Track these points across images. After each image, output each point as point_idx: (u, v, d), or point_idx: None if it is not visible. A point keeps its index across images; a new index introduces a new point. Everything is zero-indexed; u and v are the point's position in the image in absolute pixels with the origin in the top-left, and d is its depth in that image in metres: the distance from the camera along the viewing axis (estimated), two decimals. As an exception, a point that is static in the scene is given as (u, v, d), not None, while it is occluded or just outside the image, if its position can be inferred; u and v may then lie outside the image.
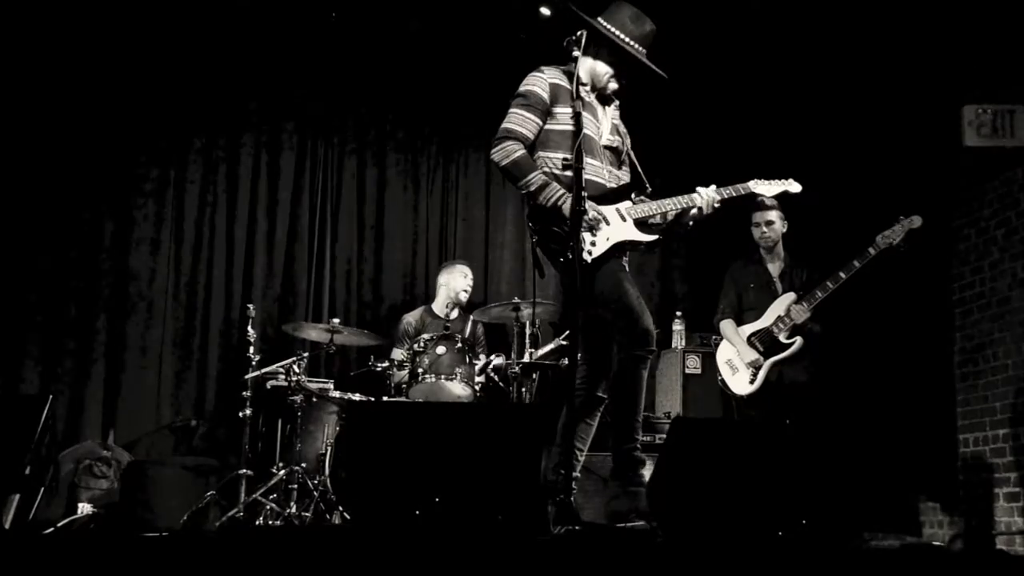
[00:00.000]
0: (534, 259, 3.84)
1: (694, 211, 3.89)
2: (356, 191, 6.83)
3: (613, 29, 3.83)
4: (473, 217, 6.99)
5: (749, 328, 5.25)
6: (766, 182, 4.09)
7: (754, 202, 5.19)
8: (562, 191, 3.68)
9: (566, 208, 3.63)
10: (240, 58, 6.54)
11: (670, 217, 3.92)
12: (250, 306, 5.61)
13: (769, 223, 5.29)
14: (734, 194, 3.98)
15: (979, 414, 6.18)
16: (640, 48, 3.87)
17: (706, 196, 3.88)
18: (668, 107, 6.40)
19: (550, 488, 3.44)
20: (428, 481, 3.02)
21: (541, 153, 3.83)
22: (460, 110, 6.81)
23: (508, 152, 3.75)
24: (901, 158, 6.44)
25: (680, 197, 3.89)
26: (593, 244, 3.71)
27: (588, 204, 3.63)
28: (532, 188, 3.72)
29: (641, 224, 3.85)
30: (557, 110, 3.81)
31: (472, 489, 3.02)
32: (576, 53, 3.64)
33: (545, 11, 6.01)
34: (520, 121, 3.80)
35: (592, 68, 3.91)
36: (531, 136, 3.80)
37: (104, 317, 6.25)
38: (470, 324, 5.96)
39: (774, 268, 5.38)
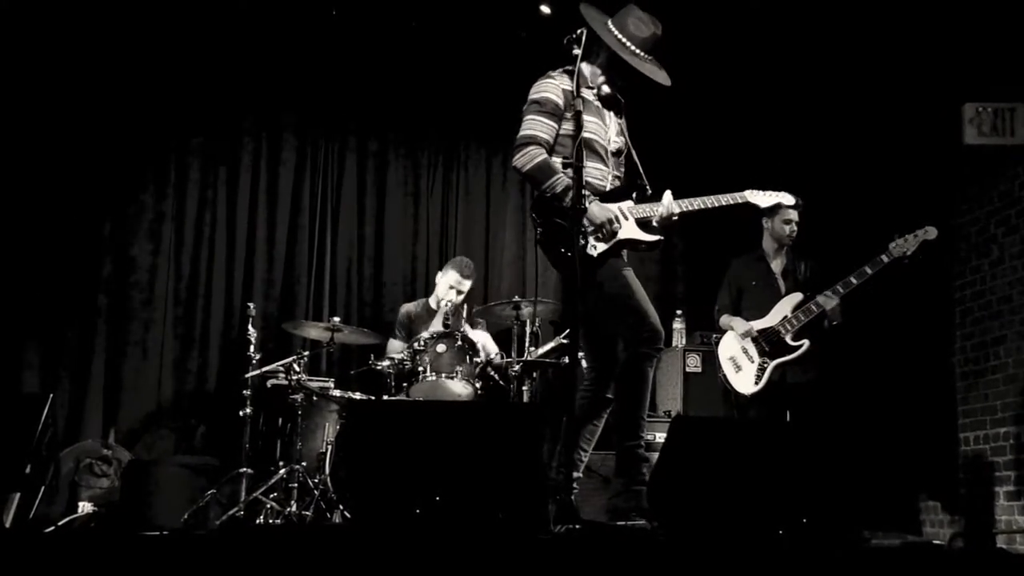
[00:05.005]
0: (544, 250, 3.83)
1: (660, 211, 3.88)
2: (356, 189, 6.84)
3: (615, 31, 3.83)
4: (473, 216, 6.99)
5: (754, 325, 5.20)
6: (761, 192, 4.09)
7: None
8: (587, 194, 3.68)
9: (590, 211, 3.66)
10: (240, 56, 6.54)
11: (675, 218, 3.93)
12: (250, 305, 5.60)
13: (798, 221, 5.28)
14: (730, 202, 3.99)
15: (980, 413, 6.18)
16: (641, 52, 3.85)
17: (670, 204, 3.87)
18: (666, 110, 6.39)
19: (552, 487, 3.45)
20: (428, 479, 3.02)
21: (554, 159, 3.85)
22: (461, 109, 6.80)
23: (531, 156, 3.76)
24: (901, 156, 6.43)
25: (682, 200, 3.90)
26: (598, 240, 3.72)
27: (601, 205, 3.71)
28: (557, 190, 3.71)
29: (642, 224, 3.87)
30: (568, 114, 3.82)
31: (472, 487, 3.02)
32: (576, 51, 3.64)
33: (545, 9, 6.01)
34: (539, 127, 3.81)
35: (592, 69, 3.92)
36: (551, 140, 3.82)
37: (104, 316, 6.26)
38: (465, 316, 5.93)
39: (776, 266, 5.36)
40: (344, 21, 6.37)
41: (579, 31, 3.70)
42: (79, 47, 6.25)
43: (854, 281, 4.97)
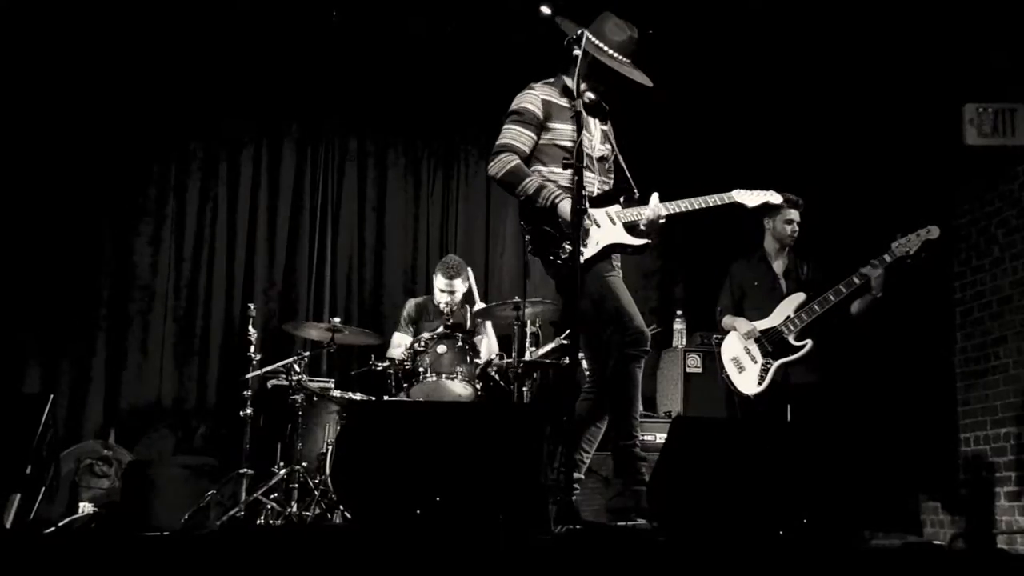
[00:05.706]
0: (535, 256, 3.86)
1: (647, 213, 3.88)
2: (357, 190, 6.84)
3: (593, 38, 3.84)
4: (473, 216, 6.99)
5: (757, 325, 5.19)
6: (748, 192, 4.08)
7: (788, 200, 5.09)
8: (559, 191, 3.72)
9: (562, 207, 3.65)
10: (242, 58, 6.54)
11: (663, 220, 3.92)
12: (251, 305, 5.60)
13: (799, 221, 5.27)
14: (718, 203, 3.99)
15: (980, 413, 6.18)
16: (619, 56, 3.87)
17: (657, 207, 3.87)
18: (668, 111, 6.40)
19: (552, 487, 3.45)
20: (429, 480, 3.02)
21: (539, 168, 3.88)
22: (461, 110, 6.81)
23: (503, 163, 3.83)
24: (902, 156, 6.43)
25: (669, 203, 3.90)
26: (584, 246, 3.73)
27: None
28: (530, 191, 3.77)
29: (630, 227, 3.88)
30: (552, 125, 3.87)
31: (473, 488, 3.02)
32: (576, 52, 3.65)
33: (546, 10, 5.99)
34: (514, 136, 3.87)
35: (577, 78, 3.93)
36: (526, 149, 3.86)
37: (105, 316, 6.26)
38: (469, 317, 5.93)
39: (778, 266, 5.35)
40: (344, 22, 6.37)
41: (580, 31, 3.72)
42: (80, 49, 6.25)
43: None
